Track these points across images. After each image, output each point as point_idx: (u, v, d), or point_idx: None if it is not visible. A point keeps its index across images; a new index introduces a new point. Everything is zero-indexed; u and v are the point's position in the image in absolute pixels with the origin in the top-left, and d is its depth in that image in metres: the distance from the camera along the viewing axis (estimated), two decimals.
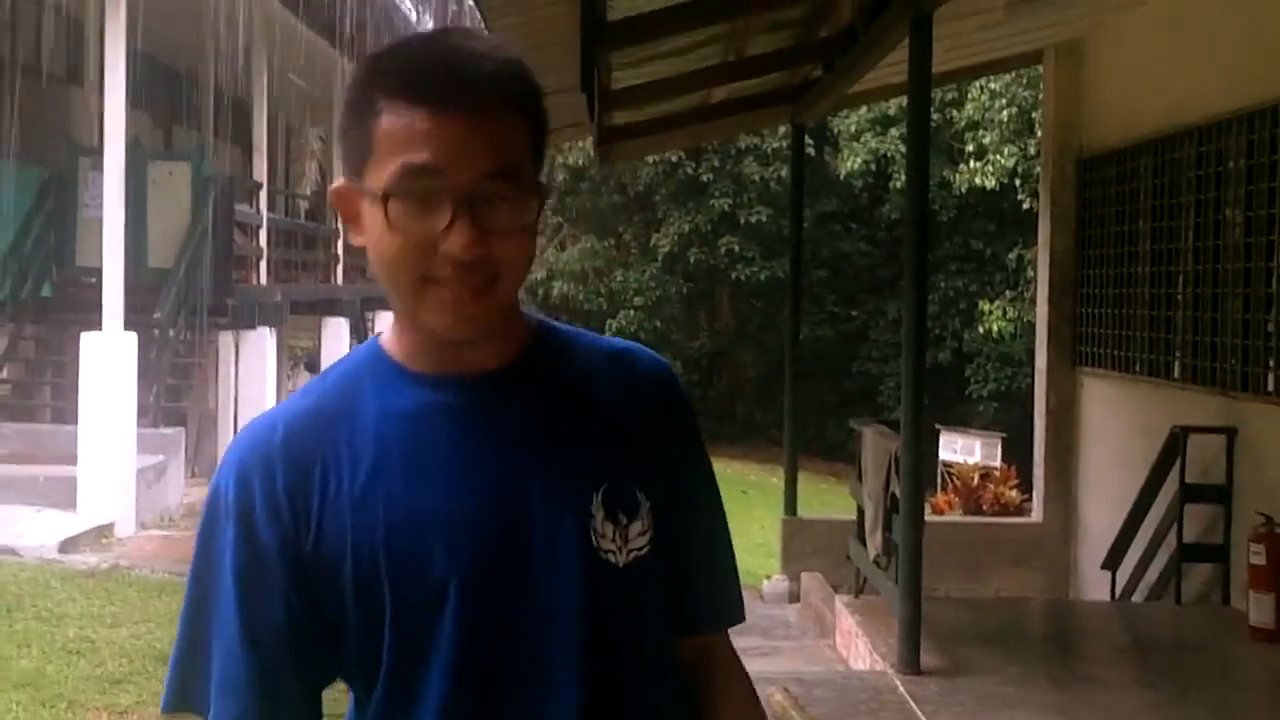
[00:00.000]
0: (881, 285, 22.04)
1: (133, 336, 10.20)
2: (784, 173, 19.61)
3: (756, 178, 21.16)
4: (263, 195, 14.43)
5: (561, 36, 5.72)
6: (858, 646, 6.19)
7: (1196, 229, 7.14)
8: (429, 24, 16.26)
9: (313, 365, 18.11)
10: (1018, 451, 11.98)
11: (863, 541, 7.17)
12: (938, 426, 14.14)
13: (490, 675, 1.20)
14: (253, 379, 13.43)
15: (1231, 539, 6.58)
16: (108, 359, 9.95)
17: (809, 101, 8.71)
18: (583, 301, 22.00)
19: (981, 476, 11.52)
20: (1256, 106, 6.37)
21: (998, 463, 12.68)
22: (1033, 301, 12.86)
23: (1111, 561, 7.50)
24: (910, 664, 5.30)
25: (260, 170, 14.46)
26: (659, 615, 1.29)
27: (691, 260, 21.90)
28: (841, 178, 21.02)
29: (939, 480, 12.72)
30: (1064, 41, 8.71)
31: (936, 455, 13.40)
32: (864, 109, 19.01)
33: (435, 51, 1.19)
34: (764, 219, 21.13)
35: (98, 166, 10.67)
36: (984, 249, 20.93)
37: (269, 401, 12.47)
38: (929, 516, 8.78)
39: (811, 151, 19.94)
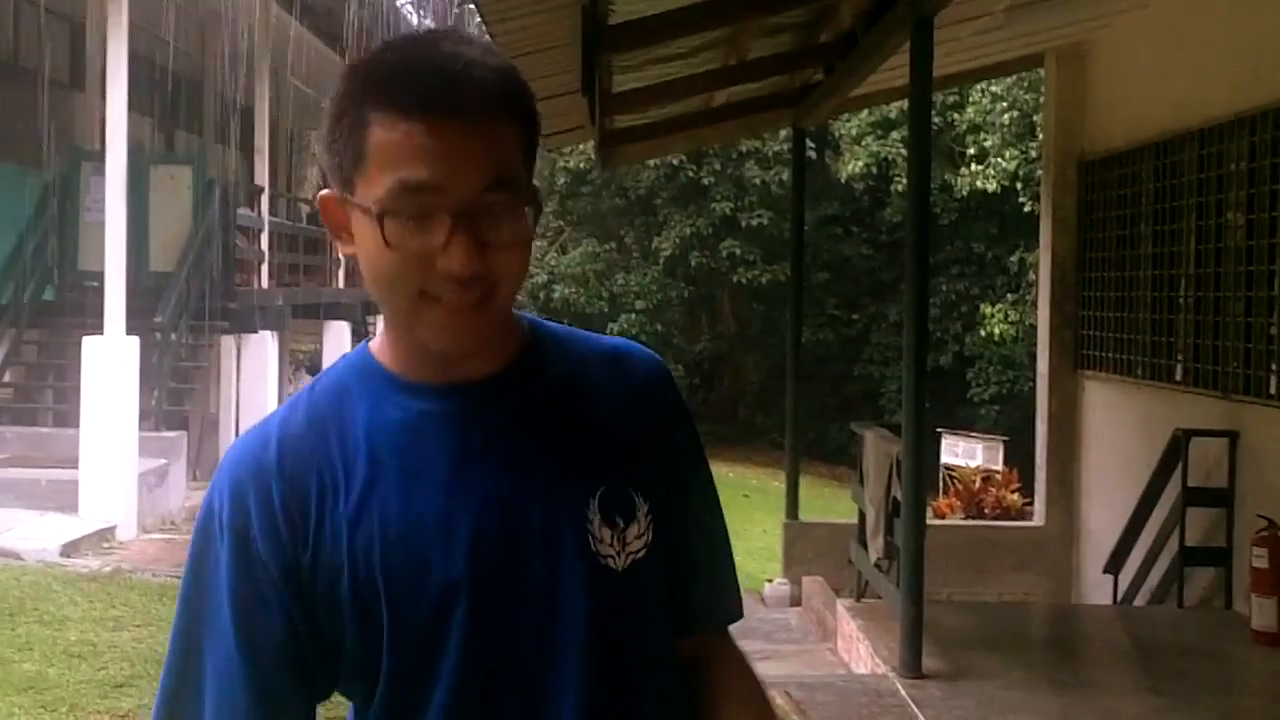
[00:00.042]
0: (883, 288, 22.02)
1: (134, 340, 10.20)
2: (785, 176, 19.59)
3: (758, 181, 21.15)
4: (264, 199, 14.43)
5: (562, 40, 5.73)
6: (859, 650, 6.19)
7: (1198, 232, 7.14)
8: (430, 27, 16.25)
9: (314, 369, 18.12)
10: (1019, 455, 11.97)
11: (864, 545, 7.16)
12: (939, 430, 14.13)
13: (493, 683, 1.19)
14: (254, 383, 13.44)
15: (1234, 543, 6.58)
16: (109, 363, 9.96)
17: (810, 105, 8.72)
18: (584, 305, 21.99)
19: (983, 480, 11.49)
20: (1258, 109, 6.37)
21: (999, 466, 12.65)
22: (1034, 305, 12.86)
23: (1113, 565, 7.49)
24: (912, 668, 5.29)
25: (262, 174, 14.46)
26: (659, 616, 1.28)
27: (693, 263, 21.89)
28: (843, 181, 21.01)
29: (940, 484, 12.69)
30: (1065, 45, 8.72)
31: (938, 459, 13.38)
32: (865, 112, 18.99)
33: (427, 60, 1.14)
34: (765, 222, 21.12)
35: (99, 171, 10.67)
36: (985, 252, 20.91)
37: (270, 405, 12.46)
38: (930, 520, 8.79)
39: (812, 155, 19.94)
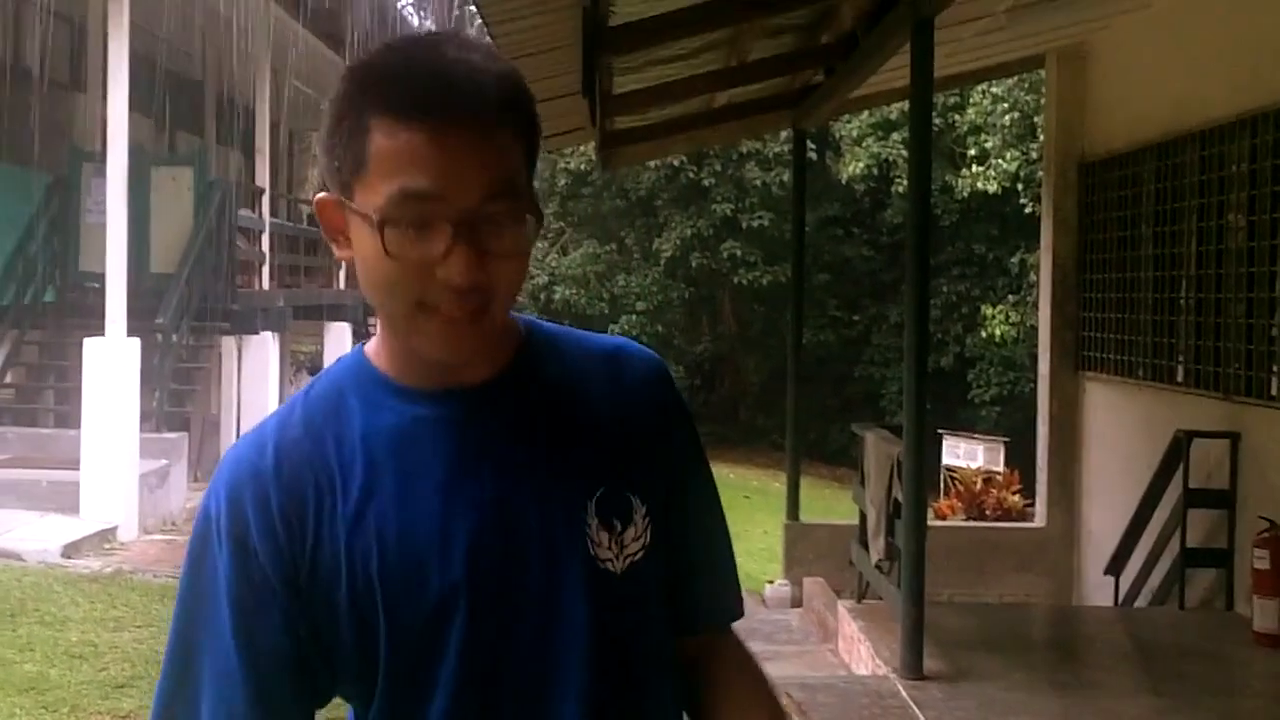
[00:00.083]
0: (883, 290, 22.02)
1: (135, 341, 10.21)
2: (786, 177, 19.60)
3: (758, 182, 21.16)
4: (265, 200, 14.44)
5: (563, 41, 5.73)
6: (860, 651, 6.19)
7: (1199, 233, 7.13)
8: (430, 29, 16.27)
9: (315, 370, 18.08)
10: (1020, 456, 11.97)
11: (865, 546, 7.16)
12: (940, 431, 14.12)
13: (491, 688, 1.19)
14: (255, 384, 13.45)
15: (1235, 544, 6.57)
16: (110, 364, 9.97)
17: (810, 106, 8.72)
18: (585, 306, 21.99)
19: (984, 481, 11.49)
20: (1259, 110, 6.37)
21: (1000, 467, 12.64)
22: (1035, 306, 12.85)
23: (1115, 567, 7.49)
24: (913, 669, 5.29)
25: (263, 175, 14.47)
26: (659, 617, 1.28)
27: (693, 265, 21.89)
28: (843, 182, 21.01)
29: (941, 485, 12.69)
30: (1066, 46, 8.72)
31: (939, 460, 13.37)
32: (866, 113, 18.99)
33: (429, 65, 1.12)
34: (766, 223, 21.13)
35: (100, 172, 10.68)
36: (986, 253, 20.91)
37: (271, 406, 12.47)
38: (931, 521, 8.79)
39: (813, 156, 19.95)
